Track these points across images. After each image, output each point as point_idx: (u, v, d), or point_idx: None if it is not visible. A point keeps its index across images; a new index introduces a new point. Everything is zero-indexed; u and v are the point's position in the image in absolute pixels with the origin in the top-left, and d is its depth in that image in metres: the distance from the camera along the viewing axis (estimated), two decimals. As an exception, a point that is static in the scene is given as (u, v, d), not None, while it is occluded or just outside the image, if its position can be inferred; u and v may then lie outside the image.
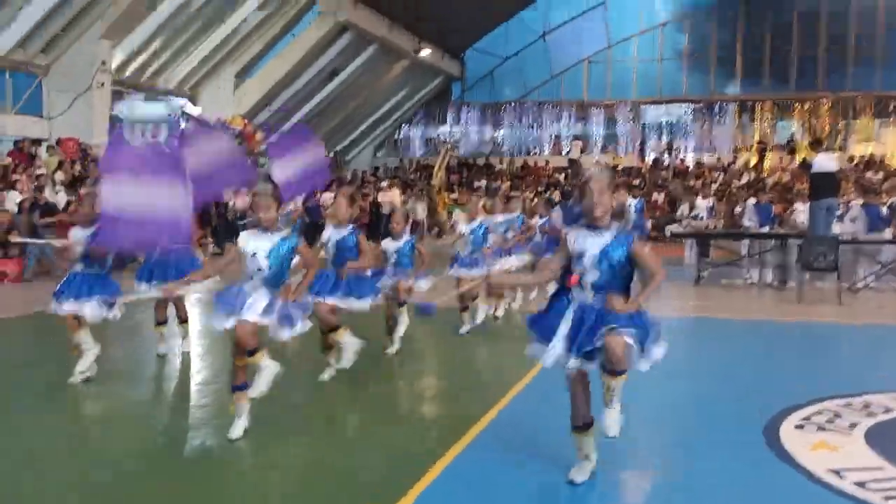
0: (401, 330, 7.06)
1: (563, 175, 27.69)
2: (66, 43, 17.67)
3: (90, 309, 5.84)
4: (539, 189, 25.77)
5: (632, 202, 13.58)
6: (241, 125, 20.89)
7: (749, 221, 12.67)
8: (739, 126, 28.52)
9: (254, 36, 22.18)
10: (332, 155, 27.26)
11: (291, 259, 4.68)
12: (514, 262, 9.24)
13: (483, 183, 27.31)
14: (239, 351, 4.56)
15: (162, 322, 7.06)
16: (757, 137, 28.04)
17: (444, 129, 31.37)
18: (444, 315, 7.92)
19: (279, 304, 4.56)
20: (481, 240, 8.23)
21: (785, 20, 27.94)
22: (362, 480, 4.02)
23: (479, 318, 8.32)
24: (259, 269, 4.53)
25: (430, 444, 4.60)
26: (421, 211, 21.68)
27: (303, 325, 4.70)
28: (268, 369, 4.65)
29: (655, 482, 4.08)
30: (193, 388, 6.10)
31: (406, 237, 6.99)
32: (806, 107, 27.48)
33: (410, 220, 7.92)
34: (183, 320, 7.14)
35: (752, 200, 13.55)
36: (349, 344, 5.84)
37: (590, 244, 3.75)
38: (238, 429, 4.58)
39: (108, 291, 5.92)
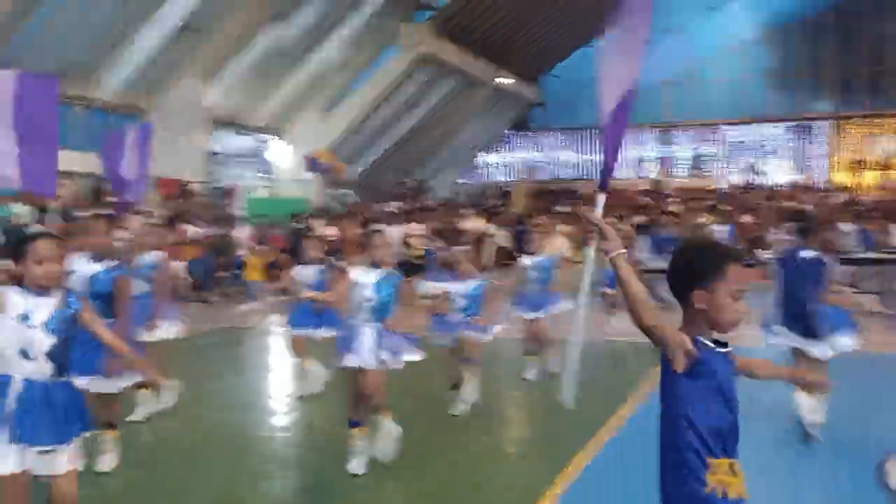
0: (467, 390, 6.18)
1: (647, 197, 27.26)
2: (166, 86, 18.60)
3: None
4: (621, 214, 25.31)
5: (723, 229, 13.05)
6: (327, 158, 21.64)
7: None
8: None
9: (337, 73, 22.88)
10: (415, 182, 27.67)
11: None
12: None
13: (567, 208, 27.02)
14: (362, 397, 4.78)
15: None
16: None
17: (524, 155, 31.47)
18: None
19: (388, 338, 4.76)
20: (546, 276, 6.91)
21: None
22: None
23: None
24: (367, 301, 4.75)
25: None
26: (504, 239, 21.63)
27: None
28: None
29: None
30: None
31: (477, 279, 6.22)
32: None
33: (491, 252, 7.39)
34: None
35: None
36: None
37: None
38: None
39: None
